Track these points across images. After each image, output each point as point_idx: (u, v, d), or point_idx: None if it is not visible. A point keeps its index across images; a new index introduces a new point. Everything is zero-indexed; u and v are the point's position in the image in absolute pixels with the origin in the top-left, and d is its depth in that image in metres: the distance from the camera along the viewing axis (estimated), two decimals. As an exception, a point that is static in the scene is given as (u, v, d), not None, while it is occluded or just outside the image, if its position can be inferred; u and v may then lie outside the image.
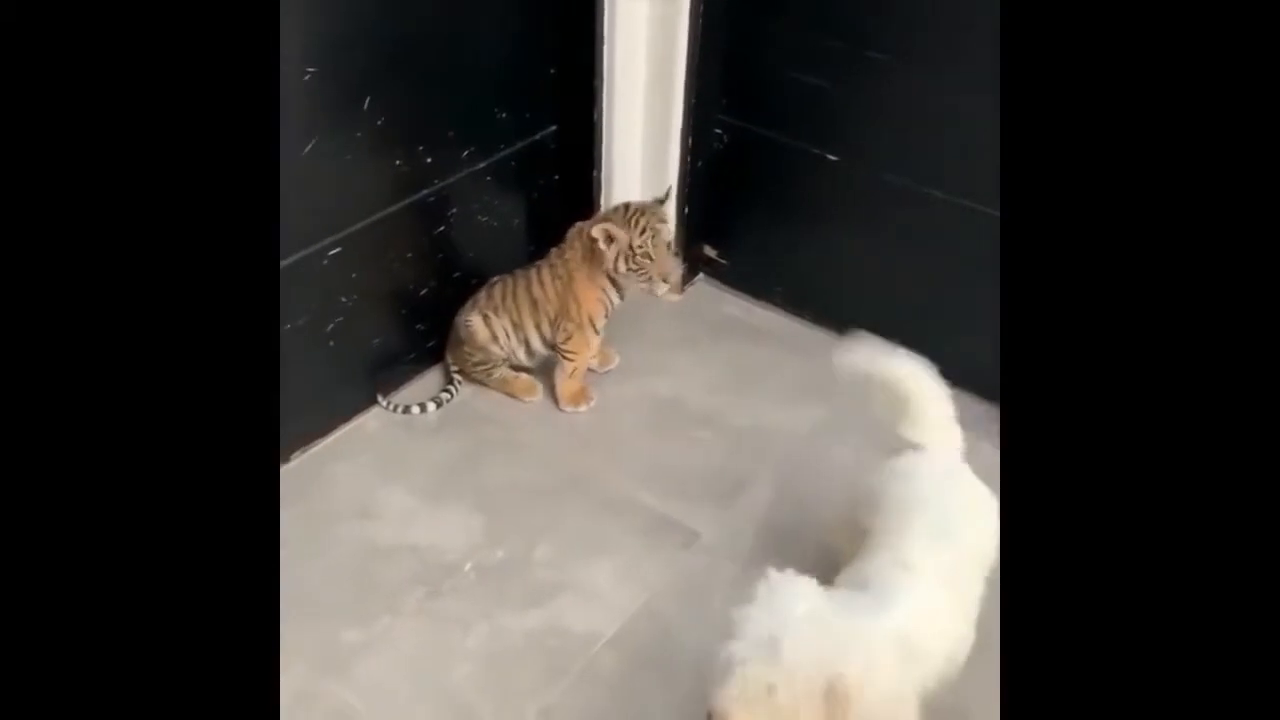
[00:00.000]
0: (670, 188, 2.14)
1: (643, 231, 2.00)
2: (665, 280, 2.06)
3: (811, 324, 2.41)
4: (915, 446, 1.52)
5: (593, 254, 2.04)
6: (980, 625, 1.38)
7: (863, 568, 1.33)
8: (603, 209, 2.39)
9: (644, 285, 2.07)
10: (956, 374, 2.20)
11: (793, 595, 1.21)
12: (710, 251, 2.52)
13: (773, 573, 1.25)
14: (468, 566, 1.82)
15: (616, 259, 2.02)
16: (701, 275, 2.55)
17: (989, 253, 2.04)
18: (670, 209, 2.12)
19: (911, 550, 1.33)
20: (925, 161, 2.06)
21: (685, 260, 2.39)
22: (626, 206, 2.05)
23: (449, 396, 2.16)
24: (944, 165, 2.04)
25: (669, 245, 2.06)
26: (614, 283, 2.08)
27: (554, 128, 2.29)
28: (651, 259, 2.01)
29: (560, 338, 2.12)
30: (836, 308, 2.39)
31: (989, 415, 2.11)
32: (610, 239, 2.00)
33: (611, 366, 2.27)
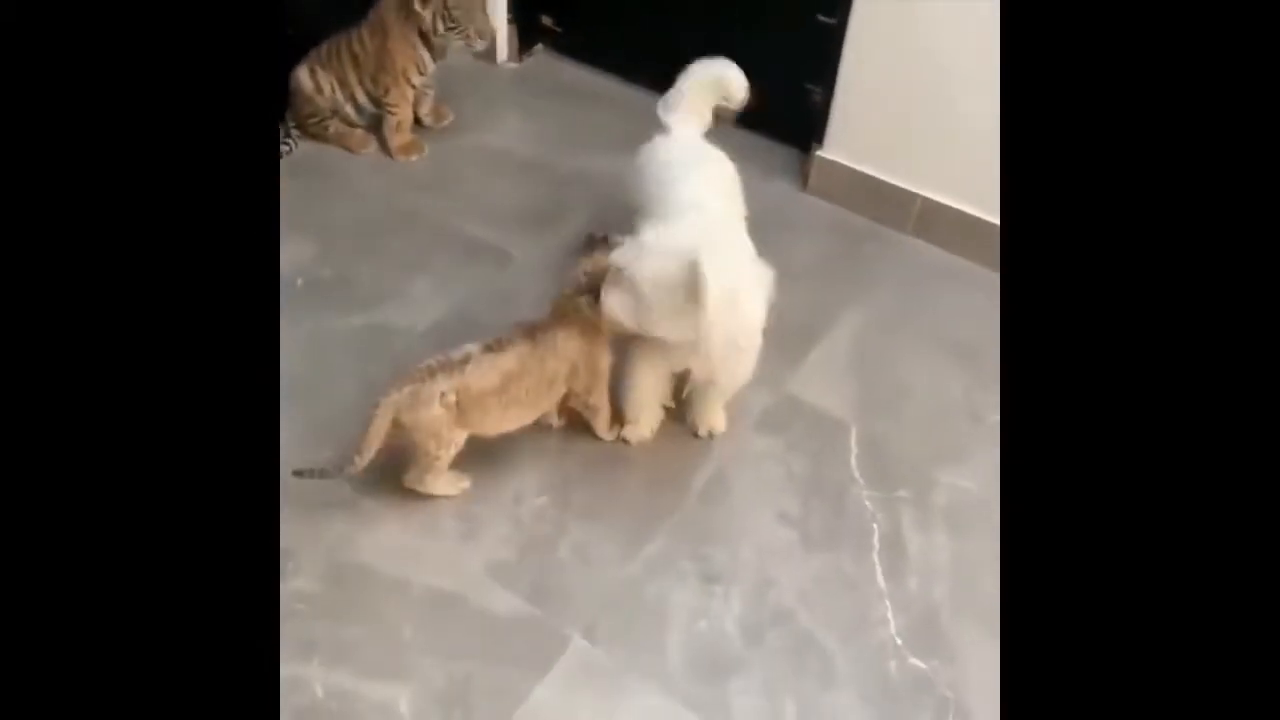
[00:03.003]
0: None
1: None
2: (482, 36, 2.19)
3: (645, 89, 2.54)
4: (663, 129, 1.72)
5: (408, 12, 2.17)
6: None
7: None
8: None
9: (462, 43, 2.21)
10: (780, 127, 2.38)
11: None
12: (547, 21, 2.65)
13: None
14: (299, 281, 2.02)
15: (434, 19, 2.15)
16: (540, 45, 2.68)
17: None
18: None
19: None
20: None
21: (521, 31, 2.51)
22: None
23: (287, 150, 2.31)
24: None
25: (482, 2, 2.19)
26: (426, 40, 2.21)
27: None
28: (467, 14, 2.14)
29: (379, 92, 2.26)
30: (670, 74, 2.52)
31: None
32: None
33: (446, 122, 2.43)
